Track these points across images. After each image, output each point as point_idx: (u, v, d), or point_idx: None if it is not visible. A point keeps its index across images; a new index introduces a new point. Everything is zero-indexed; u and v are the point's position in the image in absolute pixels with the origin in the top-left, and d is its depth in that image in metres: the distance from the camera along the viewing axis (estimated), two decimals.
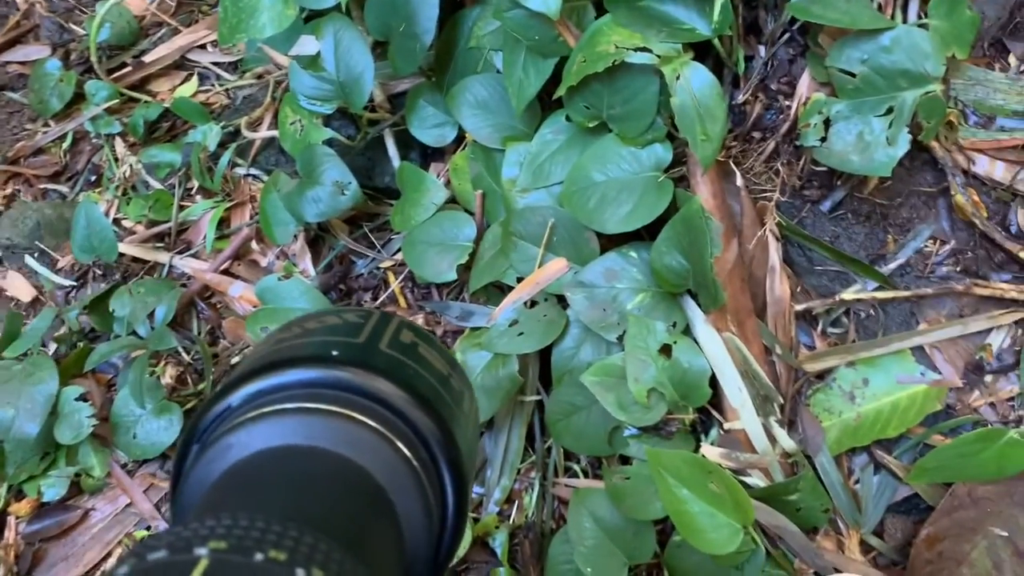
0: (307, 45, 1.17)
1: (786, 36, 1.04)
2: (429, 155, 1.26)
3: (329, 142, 1.19)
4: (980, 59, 1.02)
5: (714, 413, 1.01)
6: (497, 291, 1.11)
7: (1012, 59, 1.01)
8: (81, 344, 1.25)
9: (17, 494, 1.18)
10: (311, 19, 1.23)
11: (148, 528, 1.17)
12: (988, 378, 0.98)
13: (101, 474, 1.17)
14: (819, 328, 1.04)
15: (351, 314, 0.41)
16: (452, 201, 1.17)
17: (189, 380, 1.23)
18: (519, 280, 1.05)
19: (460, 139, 1.18)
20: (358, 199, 1.16)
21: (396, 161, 1.22)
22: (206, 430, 0.36)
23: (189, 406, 1.19)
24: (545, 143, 1.07)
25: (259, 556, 0.24)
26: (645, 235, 1.04)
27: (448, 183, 1.17)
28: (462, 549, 1.05)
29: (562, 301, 1.04)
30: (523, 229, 1.05)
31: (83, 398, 1.16)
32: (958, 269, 1.01)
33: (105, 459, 1.18)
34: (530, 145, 1.07)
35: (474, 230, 1.12)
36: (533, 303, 1.06)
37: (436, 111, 1.17)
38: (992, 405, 0.97)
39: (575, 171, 1.03)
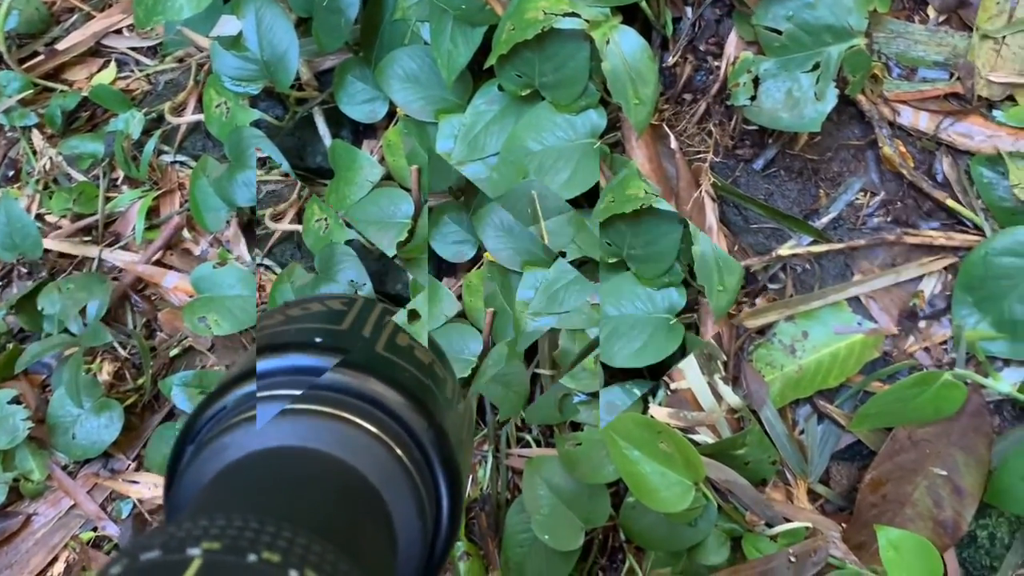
0: (228, 25, 1.14)
1: None
2: (361, 132, 1.24)
3: (257, 124, 1.16)
4: (900, 12, 1.04)
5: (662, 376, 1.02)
6: None
7: (930, 11, 1.03)
8: (10, 346, 1.21)
9: None
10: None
11: (95, 529, 1.14)
12: (922, 324, 1.01)
13: (41, 477, 1.14)
14: (757, 284, 1.06)
15: (335, 301, 0.41)
16: (388, 178, 1.15)
17: (127, 375, 1.20)
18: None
19: (391, 114, 1.16)
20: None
21: (327, 140, 1.19)
22: (201, 430, 0.36)
23: (129, 402, 1.16)
24: (479, 114, 1.05)
25: (253, 557, 0.24)
26: (585, 203, 1.04)
27: (382, 160, 1.16)
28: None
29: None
30: None
31: (16, 400, 1.12)
32: (889, 220, 1.03)
33: (44, 462, 1.15)
34: (463, 117, 1.06)
35: (411, 207, 1.10)
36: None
37: (365, 87, 1.15)
38: (927, 350, 1.00)
39: (511, 141, 1.02)
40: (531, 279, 1.09)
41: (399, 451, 0.35)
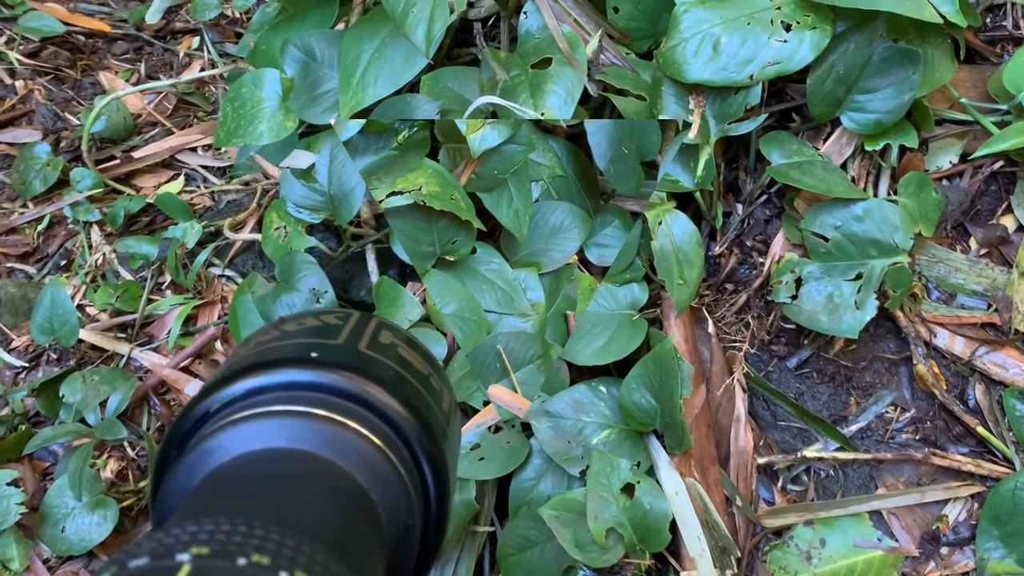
0: (300, 159, 1.20)
1: (763, 197, 1.09)
2: (407, 274, 1.27)
3: (311, 251, 1.20)
4: (943, 239, 1.08)
5: (671, 560, 0.98)
6: (461, 413, 1.10)
7: (972, 243, 1.07)
8: (23, 427, 1.20)
9: None
10: (305, 135, 1.27)
11: None
12: (944, 550, 0.98)
13: (20, 568, 1.10)
14: (779, 484, 1.04)
15: (330, 315, 0.41)
16: (426, 320, 1.17)
17: (130, 476, 1.18)
18: (485, 403, 1.04)
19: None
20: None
21: (375, 276, 1.23)
22: (186, 435, 0.35)
23: (126, 503, 1.13)
24: None
25: (242, 560, 0.24)
26: (615, 371, 1.04)
27: (424, 301, 1.18)
28: None
29: (527, 429, 1.03)
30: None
31: (15, 483, 1.10)
32: (917, 437, 1.03)
33: (27, 551, 1.11)
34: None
35: (445, 349, 1.12)
36: (497, 428, 1.04)
37: None
38: None
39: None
40: None
41: (387, 450, 0.34)
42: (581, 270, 1.09)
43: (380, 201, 0.99)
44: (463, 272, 1.10)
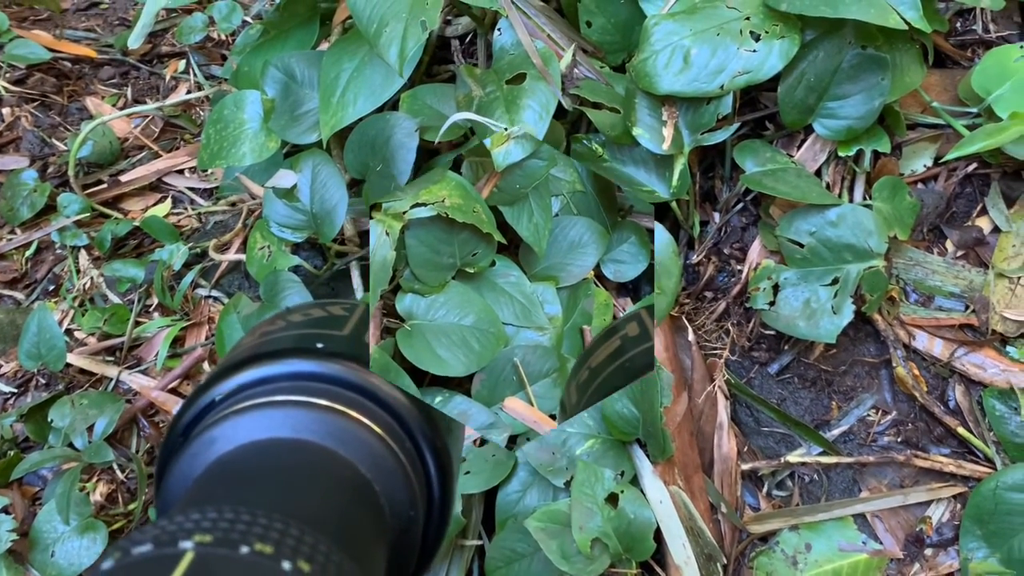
0: (284, 179, 1.21)
1: (740, 205, 1.10)
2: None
3: (295, 269, 1.20)
4: (920, 242, 1.08)
5: (656, 569, 0.99)
6: None
7: (949, 245, 1.08)
8: (12, 453, 1.20)
9: None
10: (290, 154, 1.28)
11: None
12: (928, 551, 0.98)
13: None
14: (764, 489, 1.05)
15: (336, 306, 0.41)
16: None
17: (120, 499, 1.18)
18: None
19: None
20: None
21: (359, 292, 1.23)
22: (190, 424, 0.35)
23: (116, 526, 1.14)
24: None
25: (245, 549, 0.24)
26: None
27: None
28: None
29: (512, 442, 1.04)
30: None
31: (5, 510, 1.10)
32: (899, 440, 1.03)
33: None
34: None
35: None
36: (482, 441, 1.05)
37: None
38: None
39: None
40: None
41: (390, 441, 0.35)
42: (597, 285, 1.10)
43: (404, 212, 1.00)
44: (482, 284, 1.10)
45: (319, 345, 0.37)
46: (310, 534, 0.26)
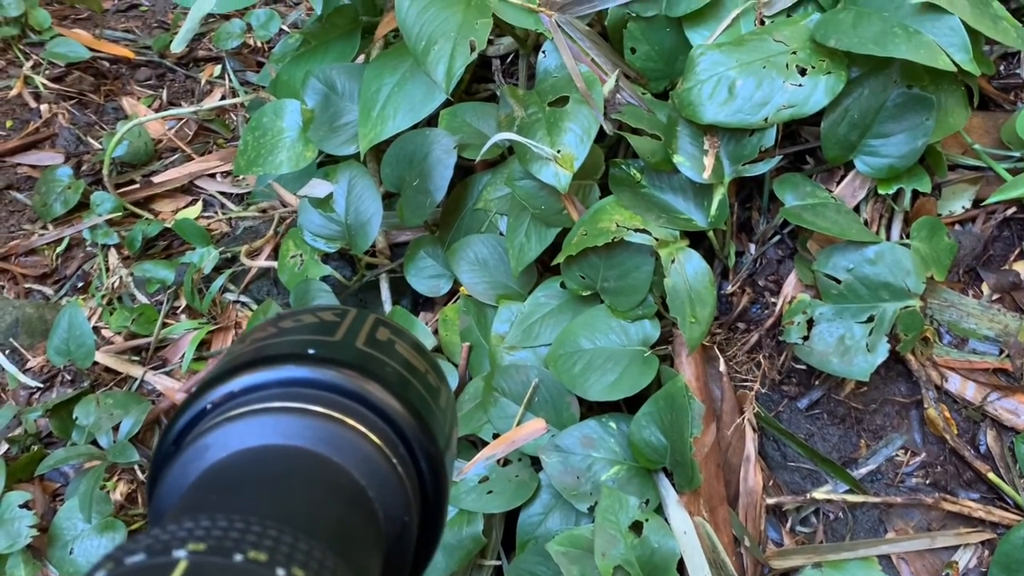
0: (317, 188, 1.21)
1: (776, 237, 1.10)
2: (420, 304, 1.28)
3: (326, 279, 1.21)
4: (955, 284, 1.08)
5: None
6: (471, 444, 1.10)
7: (985, 288, 1.07)
8: (35, 448, 1.21)
9: None
10: (323, 164, 1.29)
11: None
12: None
13: None
14: (788, 525, 1.04)
15: (327, 312, 0.41)
16: (437, 350, 1.18)
17: (140, 499, 1.19)
18: (495, 436, 1.05)
19: (452, 293, 1.21)
20: None
21: (388, 305, 1.24)
22: (182, 431, 0.35)
23: (135, 527, 1.14)
24: (538, 304, 1.09)
25: (239, 557, 0.24)
26: (625, 408, 1.05)
27: (436, 332, 1.19)
28: None
29: (536, 463, 1.03)
30: (506, 385, 1.05)
31: (26, 506, 1.10)
32: (927, 482, 1.02)
33: (35, 573, 1.11)
34: (523, 305, 1.10)
35: (456, 380, 1.12)
36: (506, 462, 1.05)
37: (434, 263, 1.21)
38: None
39: (564, 335, 1.05)
40: (506, 313, 1.12)
41: (384, 447, 0.34)
42: None
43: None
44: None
45: (311, 351, 0.36)
46: (304, 541, 0.26)
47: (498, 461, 1.04)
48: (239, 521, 0.25)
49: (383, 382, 0.36)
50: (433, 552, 0.37)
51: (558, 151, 1.00)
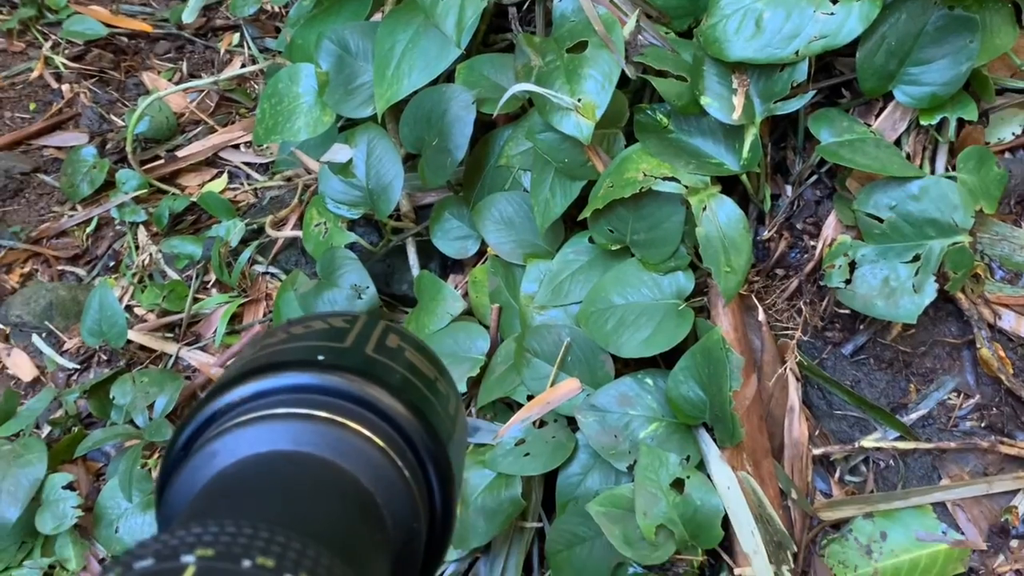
0: (339, 153, 1.19)
1: (813, 177, 1.05)
2: (449, 267, 1.26)
3: (351, 246, 1.19)
4: (1007, 216, 1.02)
5: (724, 556, 0.96)
6: (506, 407, 1.08)
7: None
8: (76, 429, 1.22)
9: None
10: (345, 128, 1.26)
11: None
12: (1014, 543, 0.93)
13: (77, 568, 1.12)
14: (836, 475, 1.00)
15: (337, 318, 0.41)
16: (468, 313, 1.15)
17: None
18: (529, 398, 1.02)
19: (481, 253, 1.18)
20: (374, 304, 1.15)
21: (416, 270, 1.21)
22: (191, 437, 0.35)
23: None
24: (566, 262, 1.06)
25: (247, 563, 0.24)
26: (661, 363, 1.02)
27: (465, 295, 1.16)
28: None
29: (572, 424, 1.01)
30: (538, 346, 1.03)
31: (70, 487, 1.12)
32: (983, 425, 0.98)
33: (83, 552, 1.13)
34: (551, 263, 1.07)
35: (487, 343, 1.10)
36: (542, 423, 1.03)
37: (460, 224, 1.18)
38: (1018, 572, 0.92)
39: (594, 292, 1.02)
40: (535, 272, 1.09)
41: (392, 453, 0.35)
42: None
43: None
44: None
45: (320, 357, 0.37)
46: (312, 547, 0.26)
47: (534, 423, 1.02)
48: (247, 527, 0.25)
49: (392, 389, 0.36)
50: (442, 558, 0.37)
51: (579, 100, 0.96)
